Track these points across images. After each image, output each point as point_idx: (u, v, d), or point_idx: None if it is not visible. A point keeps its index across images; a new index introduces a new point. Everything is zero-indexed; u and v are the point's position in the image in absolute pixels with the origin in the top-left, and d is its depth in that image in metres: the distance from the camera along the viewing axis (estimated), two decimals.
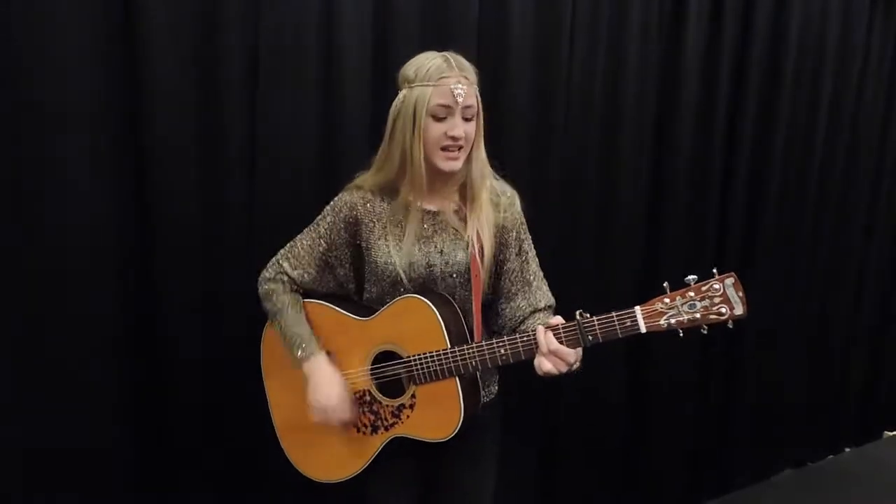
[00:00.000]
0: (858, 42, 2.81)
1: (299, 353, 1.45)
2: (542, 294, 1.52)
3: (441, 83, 1.34)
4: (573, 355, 1.31)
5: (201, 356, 1.77)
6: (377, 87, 1.85)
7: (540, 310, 1.50)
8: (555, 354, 1.30)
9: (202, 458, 1.81)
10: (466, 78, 1.36)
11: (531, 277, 1.52)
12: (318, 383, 1.44)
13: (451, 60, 1.36)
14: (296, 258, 1.50)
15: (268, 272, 1.53)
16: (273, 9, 1.69)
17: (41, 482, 1.61)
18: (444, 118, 1.35)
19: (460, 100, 1.34)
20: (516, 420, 1.85)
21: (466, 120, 1.37)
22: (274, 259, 1.53)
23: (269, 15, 1.69)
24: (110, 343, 1.65)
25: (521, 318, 1.50)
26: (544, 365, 1.30)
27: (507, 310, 1.51)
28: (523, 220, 1.52)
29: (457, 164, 1.38)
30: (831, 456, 3.24)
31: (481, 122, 1.41)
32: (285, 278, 1.50)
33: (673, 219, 2.47)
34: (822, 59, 2.70)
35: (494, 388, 1.58)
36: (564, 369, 1.31)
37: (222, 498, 1.86)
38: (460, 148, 1.37)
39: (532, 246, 1.54)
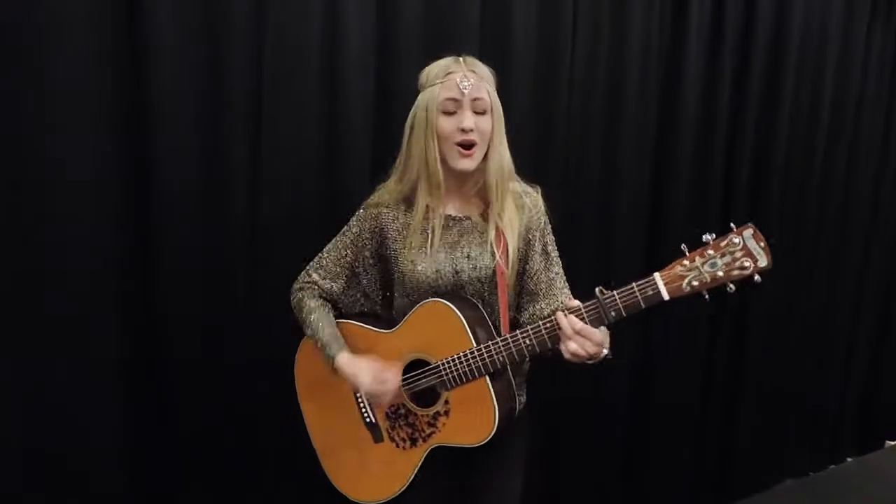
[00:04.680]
0: (858, 50, 2.82)
1: (326, 353, 1.45)
2: (565, 297, 1.50)
3: (447, 78, 1.36)
4: (598, 334, 1.28)
5: (201, 355, 1.77)
6: (379, 96, 1.86)
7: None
8: (580, 334, 1.27)
9: (202, 458, 1.81)
10: (474, 72, 1.37)
11: (554, 278, 1.50)
12: (354, 378, 1.42)
13: (460, 58, 1.39)
14: (324, 269, 1.51)
15: (297, 284, 1.54)
16: (276, 18, 1.69)
17: (41, 482, 1.61)
18: (454, 112, 1.35)
19: (466, 91, 1.34)
20: None
21: (478, 114, 1.36)
22: (304, 271, 1.54)
23: (272, 24, 1.69)
24: (109, 346, 1.64)
25: (541, 318, 1.48)
26: (570, 346, 1.28)
27: (529, 310, 1.49)
28: (547, 220, 1.50)
29: (471, 163, 1.37)
30: (833, 466, 3.24)
31: (498, 120, 1.39)
32: (315, 287, 1.51)
33: (673, 229, 2.46)
34: (823, 60, 2.71)
35: (524, 398, 1.54)
36: (593, 350, 1.28)
37: (221, 498, 1.85)
38: (474, 144, 1.36)
39: (556, 248, 1.52)
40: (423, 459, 1.45)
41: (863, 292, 3.22)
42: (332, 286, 1.50)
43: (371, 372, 1.42)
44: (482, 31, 1.98)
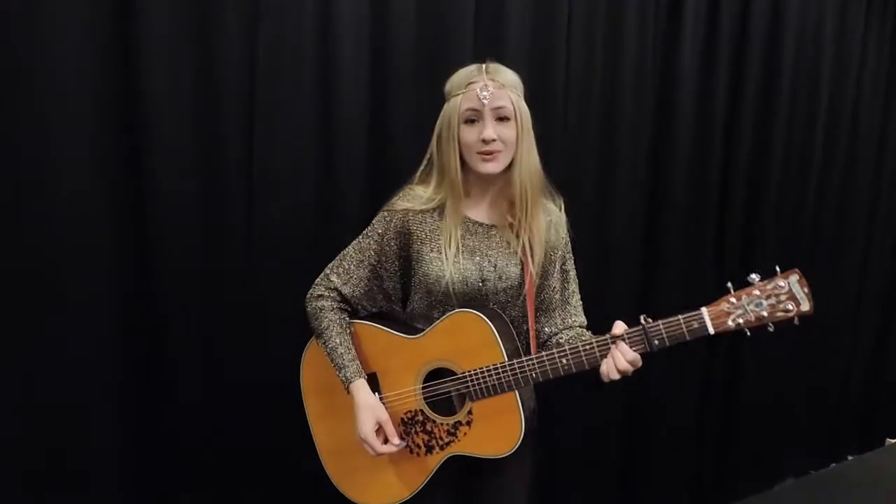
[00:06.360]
0: (854, 50, 2.83)
1: (341, 377, 1.44)
2: (578, 313, 1.52)
3: (468, 89, 1.36)
4: (640, 361, 1.31)
5: (200, 356, 1.78)
6: (375, 93, 1.87)
7: (571, 327, 1.51)
8: (631, 364, 1.30)
9: (202, 459, 1.82)
10: (494, 80, 1.37)
11: (569, 296, 1.52)
12: (360, 418, 1.42)
13: (483, 66, 1.39)
14: (346, 272, 1.47)
15: (316, 289, 1.49)
16: (270, 19, 1.71)
17: (40, 482, 1.61)
18: (475, 122, 1.36)
19: (485, 101, 1.35)
20: None
21: (500, 120, 1.36)
22: (322, 274, 1.50)
23: (266, 25, 1.71)
24: (107, 346, 1.65)
25: (552, 332, 1.50)
26: (613, 373, 1.30)
27: (540, 322, 1.51)
28: (569, 240, 1.52)
29: (495, 167, 1.37)
30: (833, 464, 3.24)
31: (525, 128, 1.38)
32: (334, 294, 1.47)
33: (670, 231, 2.48)
34: (818, 68, 2.72)
35: (532, 403, 1.53)
36: (630, 373, 1.32)
37: (221, 500, 1.86)
38: (497, 151, 1.36)
39: (574, 267, 1.53)
40: (437, 467, 1.44)
41: (863, 292, 3.22)
42: (352, 290, 1.47)
43: (376, 423, 1.41)
44: (476, 35, 1.98)
